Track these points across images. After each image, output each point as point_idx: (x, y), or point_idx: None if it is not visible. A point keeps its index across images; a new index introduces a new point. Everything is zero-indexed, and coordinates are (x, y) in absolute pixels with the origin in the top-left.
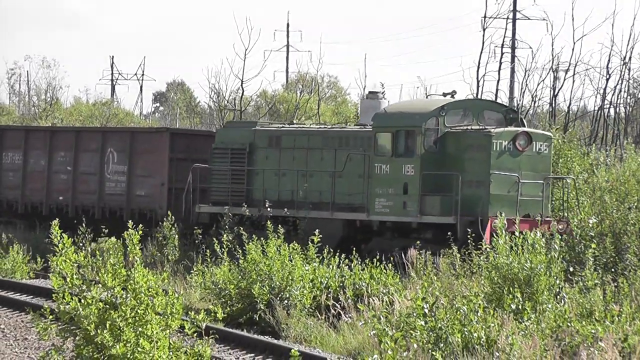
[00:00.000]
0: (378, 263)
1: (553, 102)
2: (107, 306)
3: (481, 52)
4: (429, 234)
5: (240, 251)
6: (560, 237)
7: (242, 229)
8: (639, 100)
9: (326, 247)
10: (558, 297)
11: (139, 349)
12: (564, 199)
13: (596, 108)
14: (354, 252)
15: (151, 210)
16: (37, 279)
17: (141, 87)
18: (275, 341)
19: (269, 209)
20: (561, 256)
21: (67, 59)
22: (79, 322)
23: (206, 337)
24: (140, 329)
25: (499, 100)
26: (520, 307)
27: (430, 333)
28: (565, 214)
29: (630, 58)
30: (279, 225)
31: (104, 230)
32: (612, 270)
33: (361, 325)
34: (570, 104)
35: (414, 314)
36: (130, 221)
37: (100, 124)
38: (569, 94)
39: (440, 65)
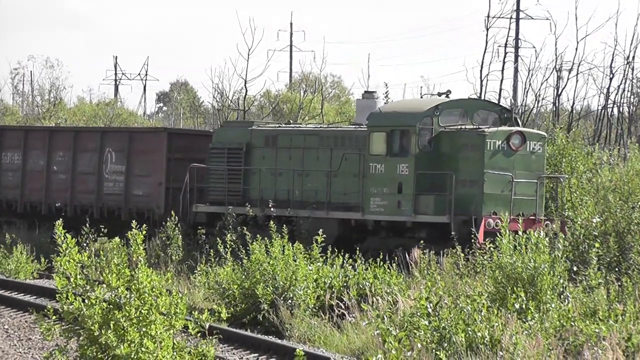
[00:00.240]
0: (382, 263)
1: (556, 101)
2: (111, 306)
3: (484, 52)
4: (424, 233)
5: (244, 251)
6: (554, 236)
7: (245, 228)
8: None
9: (318, 247)
10: (562, 296)
11: (143, 349)
12: (561, 197)
13: (600, 107)
14: (357, 251)
15: (149, 210)
16: (41, 279)
17: (145, 87)
18: (279, 341)
19: (272, 209)
20: (565, 256)
21: (70, 59)
22: (83, 322)
23: (210, 337)
24: (144, 329)
25: (502, 100)
26: (524, 306)
27: (434, 333)
28: (567, 213)
29: (633, 57)
30: (283, 225)
31: (102, 230)
32: (616, 269)
33: (365, 325)
34: (573, 103)
35: (418, 314)
36: (134, 221)
37: (104, 124)
38: (573, 93)
39: (443, 65)
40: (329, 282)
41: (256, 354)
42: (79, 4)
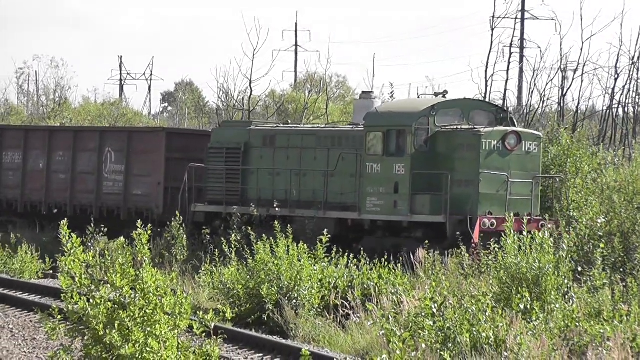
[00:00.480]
0: (387, 263)
1: (561, 101)
2: (115, 306)
3: (489, 52)
4: (419, 233)
5: (248, 251)
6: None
7: (250, 228)
8: None
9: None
10: (566, 297)
11: (148, 349)
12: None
13: (605, 108)
14: (361, 251)
15: (148, 210)
16: (46, 279)
17: (150, 87)
18: (284, 341)
19: (277, 209)
20: (569, 256)
21: (75, 59)
22: (88, 322)
23: (215, 337)
24: (148, 329)
25: (507, 100)
26: (528, 307)
27: (439, 333)
28: (572, 213)
29: (639, 58)
30: (288, 225)
31: (102, 229)
32: (621, 270)
33: (370, 325)
34: (578, 103)
35: (423, 314)
36: (139, 221)
37: (109, 124)
38: (578, 93)
39: (448, 65)
40: (333, 282)
41: (261, 354)
42: (84, 4)
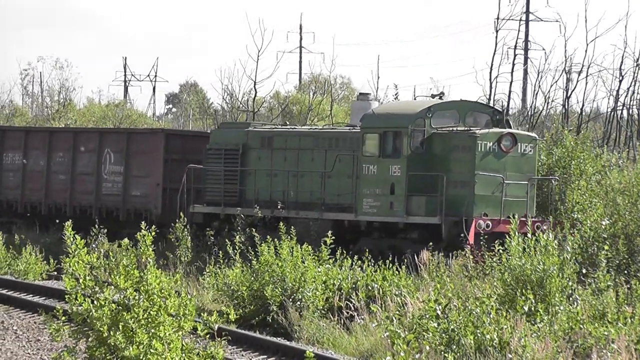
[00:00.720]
0: (391, 264)
1: (566, 103)
2: (119, 307)
3: (494, 54)
4: (415, 234)
5: (252, 252)
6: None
7: (254, 230)
8: None
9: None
10: (571, 299)
11: (152, 351)
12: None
13: (609, 109)
14: (367, 253)
15: (146, 211)
16: (50, 280)
17: (154, 88)
18: (288, 343)
19: (282, 210)
20: (574, 258)
21: (80, 60)
22: (92, 324)
23: (219, 339)
24: (152, 331)
25: (511, 102)
26: (532, 309)
27: (443, 335)
28: (576, 215)
29: None
30: (291, 227)
31: (102, 230)
32: (625, 272)
33: (374, 327)
34: (583, 105)
35: (427, 316)
36: (143, 222)
37: (113, 125)
38: (582, 95)
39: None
40: (337, 283)
41: (265, 356)
42: (88, 5)
